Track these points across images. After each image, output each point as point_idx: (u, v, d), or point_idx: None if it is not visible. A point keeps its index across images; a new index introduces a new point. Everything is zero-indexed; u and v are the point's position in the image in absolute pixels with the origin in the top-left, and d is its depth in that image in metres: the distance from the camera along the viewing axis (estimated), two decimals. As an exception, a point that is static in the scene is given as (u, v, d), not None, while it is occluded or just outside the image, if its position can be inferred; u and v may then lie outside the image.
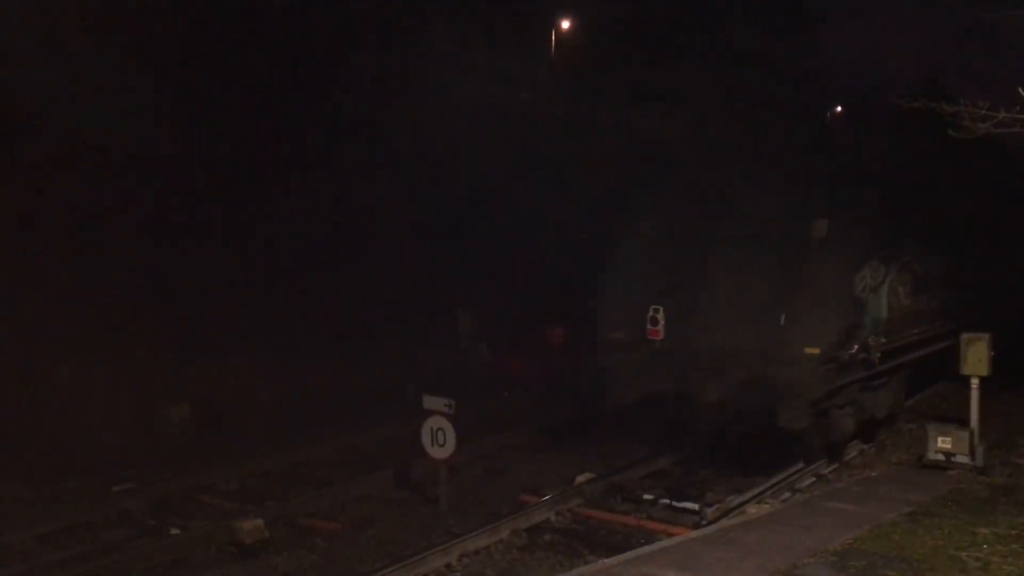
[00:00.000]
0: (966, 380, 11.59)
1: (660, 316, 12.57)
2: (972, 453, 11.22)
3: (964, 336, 11.51)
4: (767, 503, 10.58)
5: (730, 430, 12.12)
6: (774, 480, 11.49)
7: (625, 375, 12.62)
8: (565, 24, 28.62)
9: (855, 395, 12.38)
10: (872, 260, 12.52)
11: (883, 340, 12.50)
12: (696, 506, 10.38)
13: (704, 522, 9.92)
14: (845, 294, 12.10)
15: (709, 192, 13.50)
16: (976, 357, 11.37)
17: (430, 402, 10.90)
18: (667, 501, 10.75)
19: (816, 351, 11.53)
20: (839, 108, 33.31)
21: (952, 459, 11.27)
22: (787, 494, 11.12)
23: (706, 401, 11.84)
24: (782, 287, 12.00)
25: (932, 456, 11.43)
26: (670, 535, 9.45)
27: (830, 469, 12.36)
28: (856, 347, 12.09)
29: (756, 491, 10.97)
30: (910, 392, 14.75)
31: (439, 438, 10.67)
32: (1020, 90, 8.56)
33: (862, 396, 12.53)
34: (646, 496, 10.96)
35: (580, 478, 11.69)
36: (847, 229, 12.40)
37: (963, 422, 11.48)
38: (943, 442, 11.34)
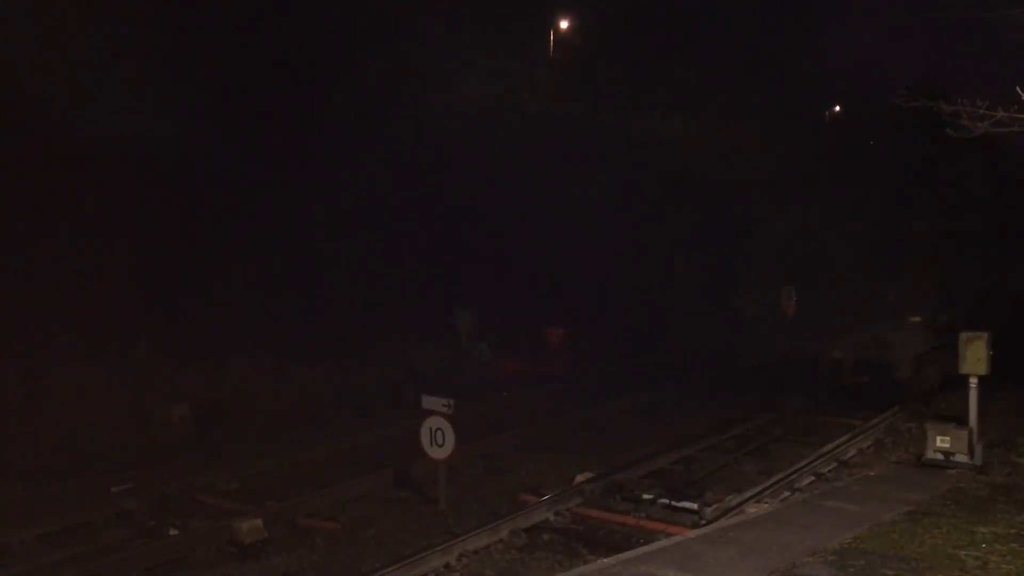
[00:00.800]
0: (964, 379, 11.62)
1: (792, 295, 16.98)
2: (971, 452, 11.23)
3: (963, 335, 11.51)
4: (766, 502, 10.59)
5: (848, 380, 16.47)
6: (773, 479, 11.50)
7: (762, 341, 17.04)
8: (564, 24, 28.63)
9: (941, 355, 15.57)
10: (957, 251, 17.07)
11: (963, 312, 16.23)
12: (695, 506, 10.38)
13: (703, 521, 9.92)
14: (938, 276, 16.43)
15: (826, 196, 17.62)
16: (975, 356, 11.36)
17: (429, 402, 10.89)
18: (666, 501, 10.75)
19: (918, 320, 15.86)
20: (837, 108, 33.34)
21: (951, 458, 11.28)
22: (786, 493, 11.12)
23: (829, 359, 16.53)
24: (891, 271, 16.30)
25: (931, 455, 11.44)
26: (669, 535, 9.45)
27: (829, 468, 12.39)
28: (945, 317, 16.04)
29: (755, 490, 10.97)
30: None
31: (438, 438, 10.66)
32: (1019, 90, 8.57)
33: (946, 356, 15.31)
34: (645, 496, 10.96)
35: (579, 478, 11.69)
36: (939, 227, 16.83)
37: (962, 421, 11.48)
38: (942, 441, 11.35)
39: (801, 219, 17.61)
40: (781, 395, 16.85)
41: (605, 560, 8.39)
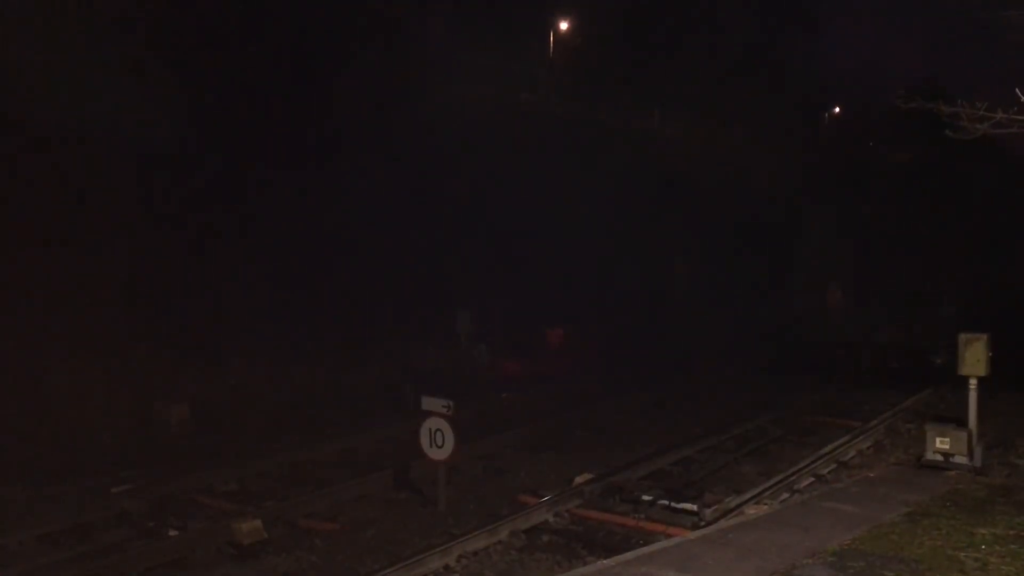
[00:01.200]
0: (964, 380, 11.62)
1: (838, 288, 20.48)
2: (970, 453, 11.22)
3: (962, 336, 11.49)
4: (765, 504, 10.58)
5: (889, 363, 19.15)
6: (773, 481, 11.50)
7: (809, 329, 20.32)
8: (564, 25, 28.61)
9: None
10: (984, 251, 20.32)
11: (989, 305, 18.93)
12: (694, 507, 10.37)
13: (702, 523, 9.91)
14: (969, 271, 19.61)
15: (867, 201, 21.19)
16: (974, 357, 11.35)
17: (429, 403, 10.89)
18: (666, 502, 10.74)
19: (953, 309, 18.68)
20: (837, 109, 33.36)
21: (950, 459, 11.27)
22: (785, 495, 11.11)
23: (872, 345, 19.43)
24: (927, 266, 19.58)
25: (930, 456, 11.43)
26: (669, 536, 9.45)
27: (828, 469, 12.38)
28: (976, 309, 18.18)
29: (755, 491, 10.97)
30: None
31: (437, 439, 10.66)
32: (1018, 91, 8.56)
33: None
34: (645, 497, 10.96)
35: (579, 479, 11.69)
36: (967, 230, 20.16)
37: (961, 422, 11.47)
38: (941, 442, 11.34)
39: (829, 220, 20.79)
40: (828, 378, 19.36)
41: (604, 561, 8.38)
